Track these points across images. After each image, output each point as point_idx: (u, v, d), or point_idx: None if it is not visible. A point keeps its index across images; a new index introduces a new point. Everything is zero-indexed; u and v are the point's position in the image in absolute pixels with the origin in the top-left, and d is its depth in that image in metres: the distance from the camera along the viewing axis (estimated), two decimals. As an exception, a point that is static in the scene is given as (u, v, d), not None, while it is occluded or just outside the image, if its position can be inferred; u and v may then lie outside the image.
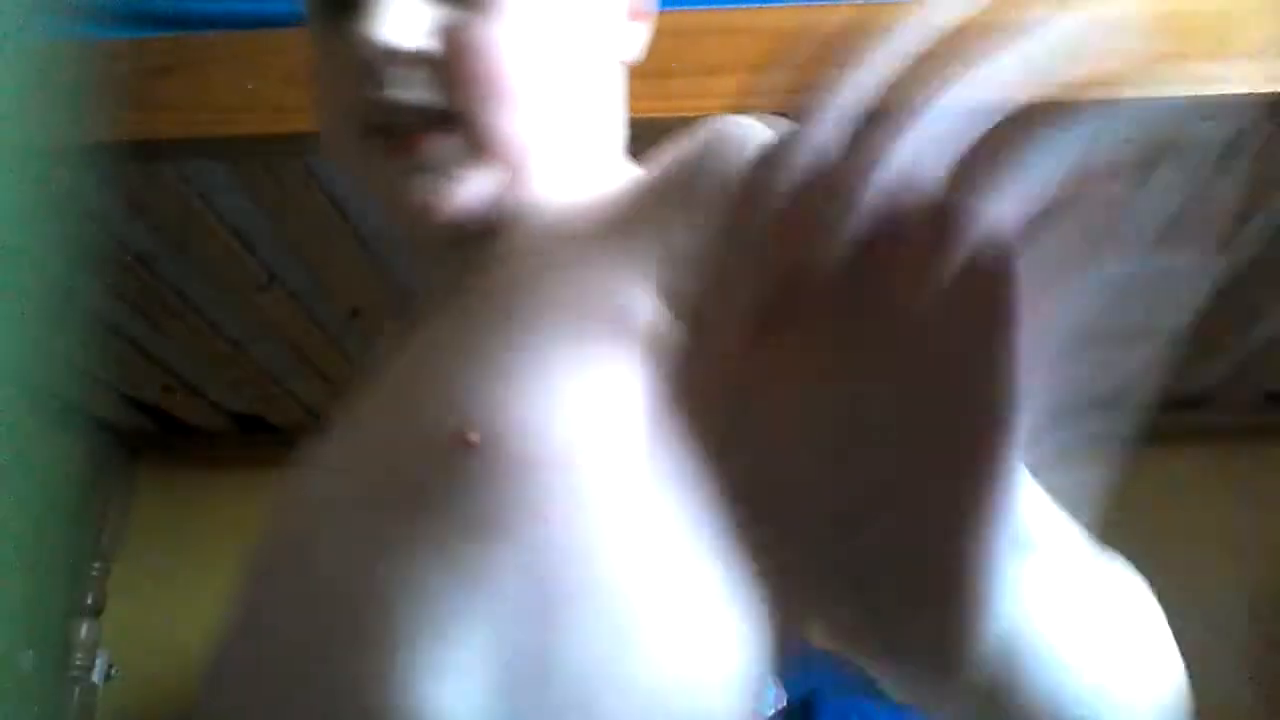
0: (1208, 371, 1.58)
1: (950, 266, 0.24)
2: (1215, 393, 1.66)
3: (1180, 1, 0.88)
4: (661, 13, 0.91)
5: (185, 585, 1.72)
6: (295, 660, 0.44)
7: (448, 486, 0.42)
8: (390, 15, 0.47)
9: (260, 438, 1.72)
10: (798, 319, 0.25)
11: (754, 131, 0.48)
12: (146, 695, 1.68)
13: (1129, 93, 0.88)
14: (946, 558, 0.26)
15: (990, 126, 0.25)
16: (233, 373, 1.51)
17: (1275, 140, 0.96)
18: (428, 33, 0.48)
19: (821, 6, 0.90)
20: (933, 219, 0.24)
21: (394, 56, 0.48)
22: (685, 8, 0.90)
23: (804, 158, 0.25)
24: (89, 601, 1.69)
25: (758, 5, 0.90)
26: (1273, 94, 0.87)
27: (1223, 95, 0.87)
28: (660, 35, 0.92)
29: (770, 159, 0.25)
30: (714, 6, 0.90)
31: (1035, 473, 0.36)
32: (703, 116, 0.88)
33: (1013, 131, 0.25)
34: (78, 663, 1.66)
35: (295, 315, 1.30)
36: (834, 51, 0.25)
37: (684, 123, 0.88)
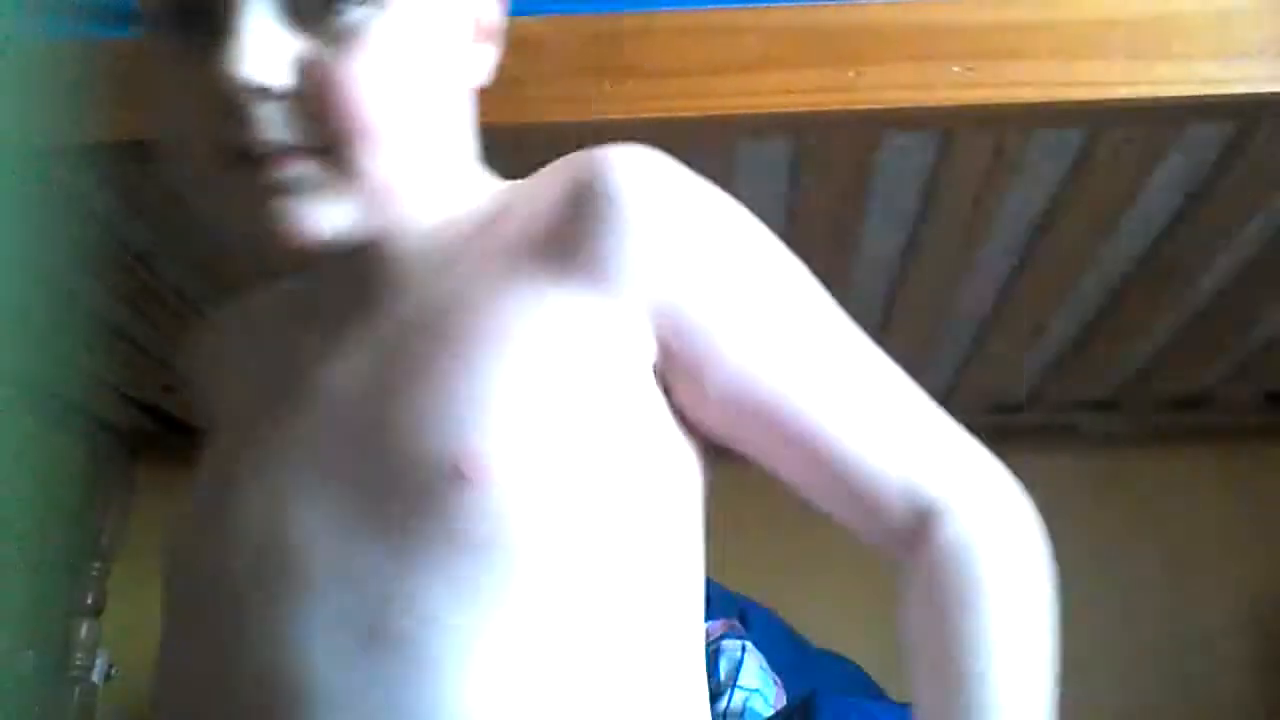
0: (1208, 371, 1.58)
1: None
2: (1215, 393, 1.66)
3: (1180, 1, 0.88)
4: (662, 13, 0.91)
5: (185, 585, 1.72)
6: (291, 676, 0.46)
7: (445, 515, 0.46)
8: (251, 50, 0.46)
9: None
10: None
11: (620, 160, 0.52)
12: (146, 695, 1.68)
13: (1128, 93, 0.89)
14: None
15: None
16: (233, 373, 1.51)
17: (1275, 140, 0.97)
18: (287, 67, 0.47)
19: (822, 6, 0.90)
20: None
21: (256, 94, 0.46)
22: (685, 8, 0.90)
23: None
24: (89, 601, 1.69)
25: (758, 5, 0.89)
26: (1273, 94, 0.87)
27: (1223, 95, 0.87)
28: (661, 35, 0.92)
29: None
30: (715, 6, 0.89)
31: None
32: (704, 116, 0.88)
33: None
34: (78, 663, 1.65)
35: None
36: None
37: (685, 123, 0.89)
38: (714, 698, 1.19)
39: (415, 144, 0.51)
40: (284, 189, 0.48)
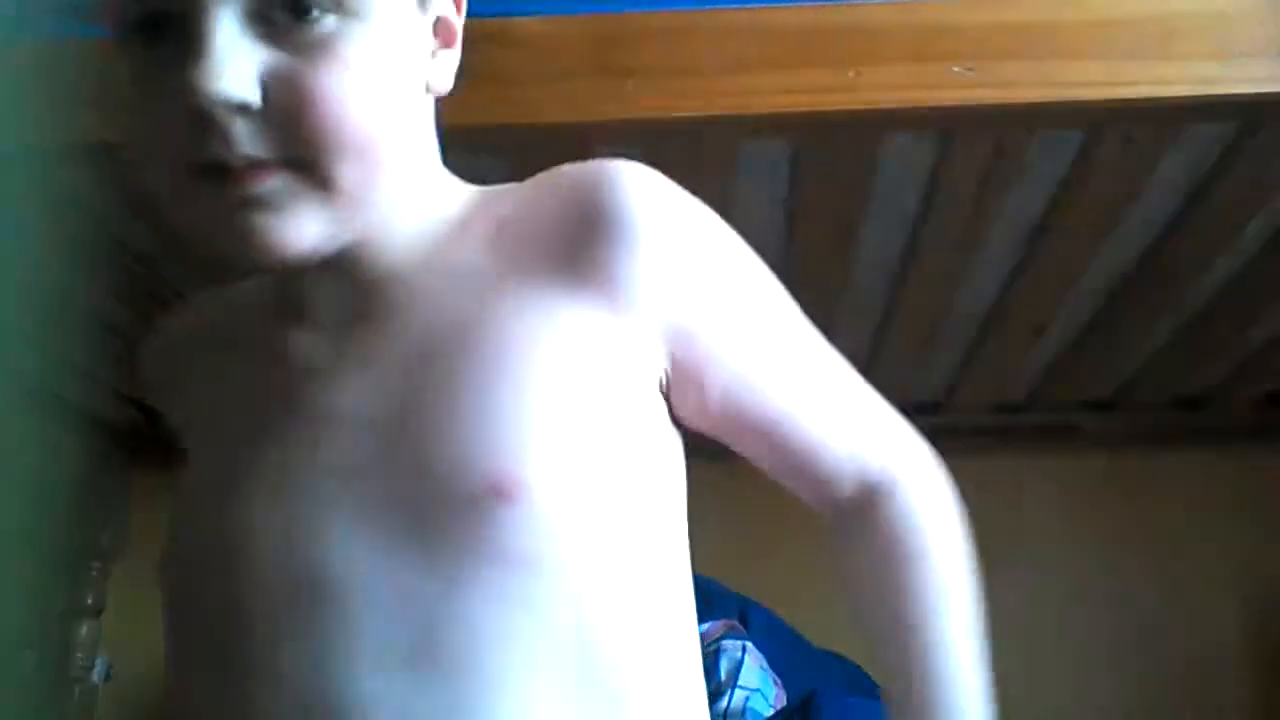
0: (1208, 371, 1.59)
1: None
2: (1215, 393, 1.66)
3: (1180, 1, 0.88)
4: (662, 13, 0.91)
5: (185, 585, 1.72)
6: (341, 703, 0.47)
7: (486, 535, 0.47)
8: (221, 64, 0.45)
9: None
10: None
11: (627, 180, 0.53)
12: (146, 695, 1.68)
13: (1128, 93, 0.89)
14: None
15: None
16: (233, 373, 1.51)
17: (1275, 140, 0.97)
18: (258, 81, 0.46)
19: (822, 7, 0.90)
20: None
21: (228, 109, 0.45)
22: (685, 8, 0.90)
23: None
24: (89, 601, 1.69)
25: (758, 5, 0.90)
26: (1273, 94, 0.87)
27: (1223, 95, 0.87)
28: (660, 35, 0.92)
29: None
30: (715, 7, 0.90)
31: None
32: (704, 116, 0.88)
33: None
34: (78, 663, 1.65)
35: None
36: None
37: (686, 123, 0.89)
38: (714, 698, 1.19)
39: (387, 153, 0.51)
40: (258, 203, 0.47)
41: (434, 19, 0.54)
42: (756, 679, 1.24)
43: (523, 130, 0.87)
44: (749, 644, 1.27)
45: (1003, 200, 1.07)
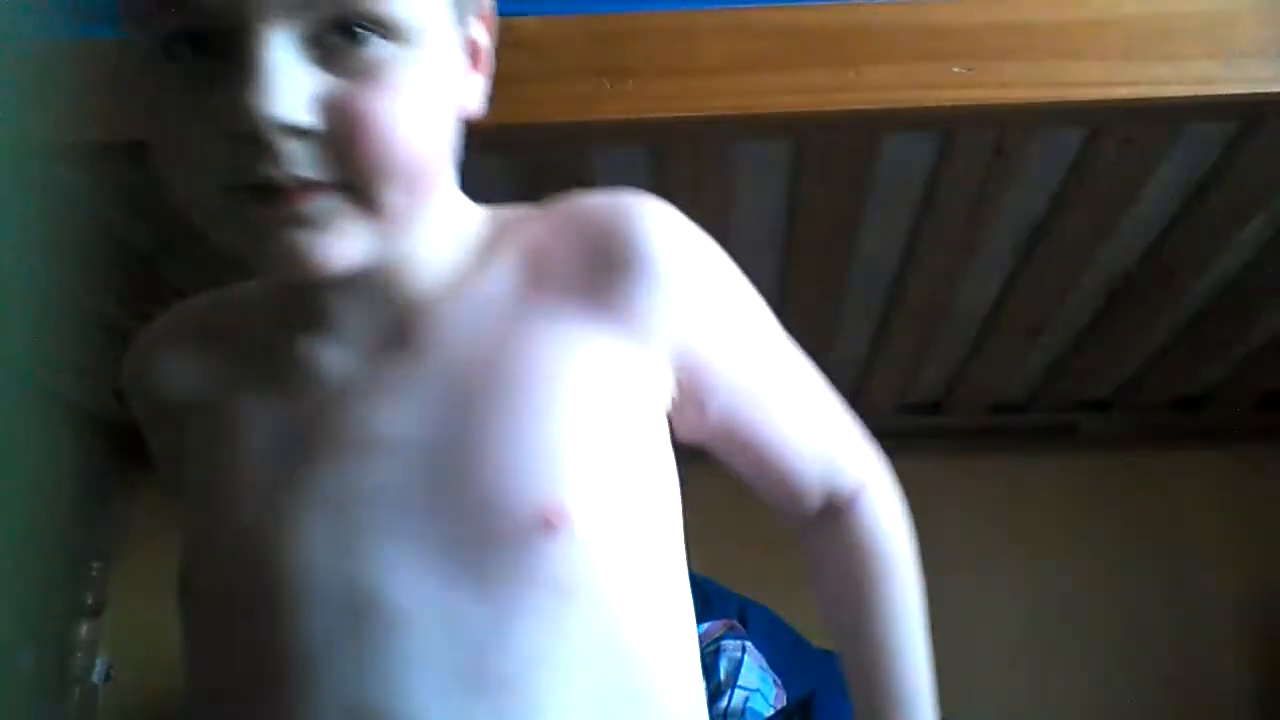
0: (1208, 371, 1.59)
1: None
2: (1215, 393, 1.66)
3: (1180, 2, 0.88)
4: (661, 13, 0.91)
5: (185, 585, 1.72)
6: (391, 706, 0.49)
7: (535, 564, 0.50)
8: (276, 86, 0.45)
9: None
10: None
11: (648, 216, 0.56)
12: (146, 695, 1.68)
13: (1128, 93, 0.89)
14: None
15: None
16: (233, 373, 1.51)
17: (1275, 140, 0.97)
18: (311, 103, 0.46)
19: (822, 7, 0.90)
20: None
21: (281, 131, 0.45)
22: (685, 8, 0.90)
23: None
24: (89, 601, 1.69)
25: (758, 5, 0.90)
26: (1273, 94, 0.87)
27: (1223, 95, 0.87)
28: (660, 35, 0.92)
29: None
30: (715, 7, 0.90)
31: None
32: (704, 116, 0.88)
33: None
34: (78, 663, 1.65)
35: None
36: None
37: (685, 123, 0.89)
38: (714, 698, 1.19)
39: (431, 176, 0.52)
40: (303, 220, 0.48)
41: (467, 41, 0.55)
42: (756, 679, 1.24)
43: (523, 130, 0.87)
44: (749, 644, 1.27)
45: (1002, 200, 1.07)
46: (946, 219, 1.11)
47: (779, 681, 1.28)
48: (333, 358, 0.55)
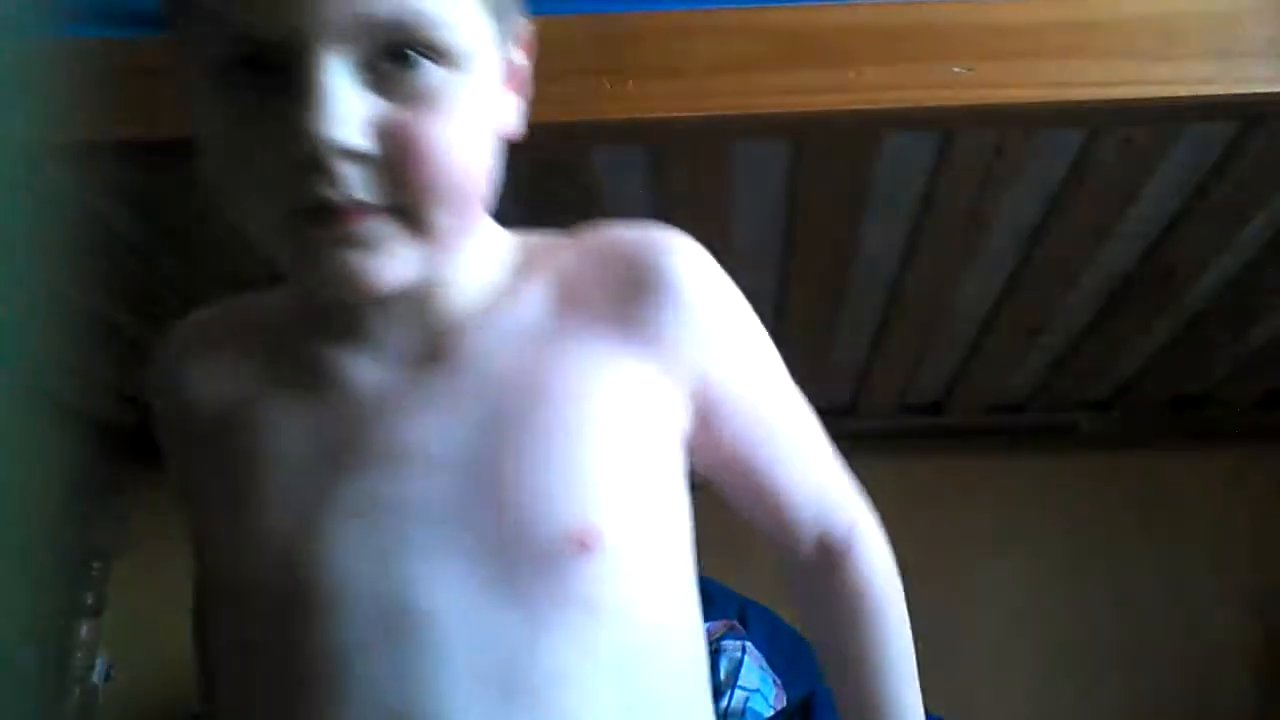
0: (1208, 371, 1.59)
1: None
2: (1215, 393, 1.66)
3: (1180, 2, 0.88)
4: (661, 13, 0.91)
5: (185, 585, 1.72)
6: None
7: (568, 582, 0.52)
8: (334, 110, 0.46)
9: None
10: None
11: (676, 250, 0.58)
12: (146, 695, 1.68)
13: (1128, 93, 0.89)
14: None
15: None
16: (233, 373, 1.51)
17: (1275, 140, 0.97)
18: (367, 127, 0.48)
19: (822, 7, 0.90)
20: None
21: (338, 153, 0.47)
22: (685, 8, 0.90)
23: None
24: (89, 601, 1.69)
25: (758, 5, 0.89)
26: (1273, 94, 0.87)
27: (1223, 95, 0.87)
28: (660, 35, 0.92)
29: None
30: (715, 7, 0.90)
31: None
32: (704, 116, 0.88)
33: None
34: (78, 663, 1.65)
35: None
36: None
37: (686, 123, 0.89)
38: (714, 698, 1.19)
39: (477, 199, 0.54)
40: (355, 241, 0.49)
41: (507, 63, 0.56)
42: (756, 679, 1.24)
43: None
44: (749, 644, 1.27)
45: (1002, 200, 1.07)
46: (946, 219, 1.11)
47: (779, 681, 1.27)
48: (366, 370, 0.56)
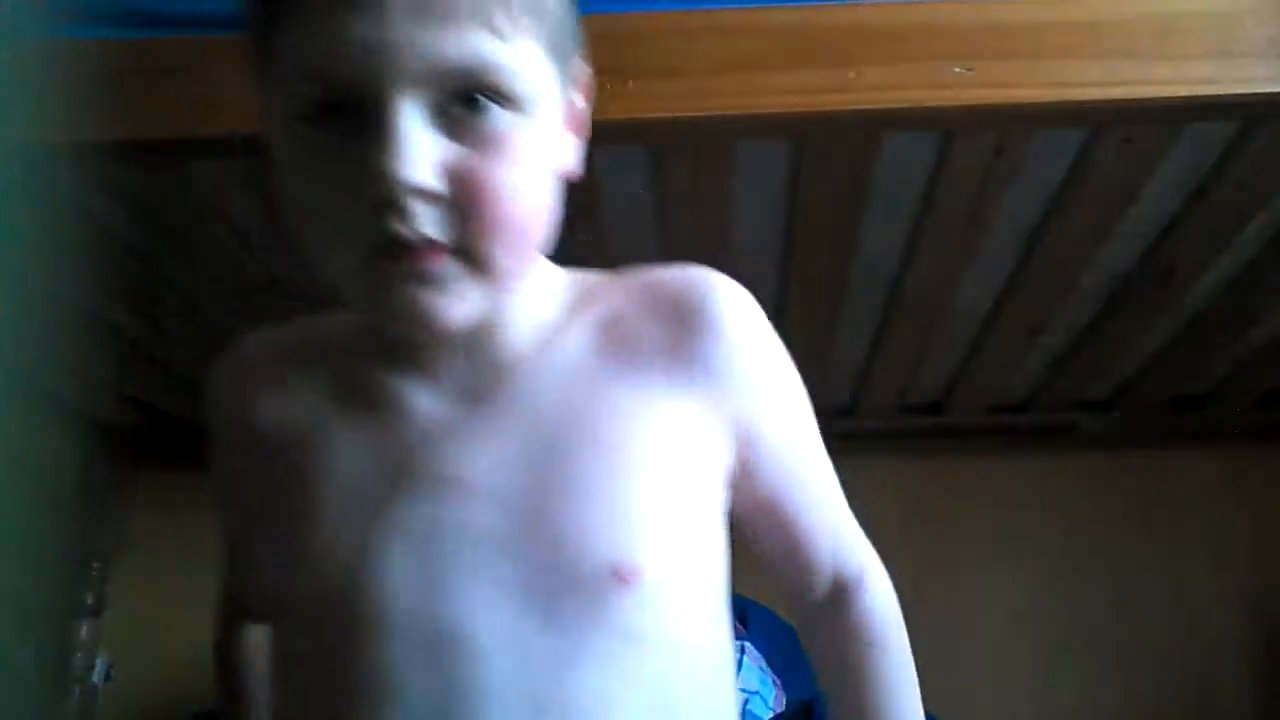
0: (1208, 371, 1.59)
1: None
2: (1215, 393, 1.66)
3: (1180, 2, 0.88)
4: (661, 13, 0.91)
5: (185, 585, 1.72)
6: None
7: (606, 612, 0.55)
8: (409, 153, 0.49)
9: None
10: None
11: (723, 293, 0.61)
12: (146, 695, 1.68)
13: (1128, 93, 0.89)
14: None
15: None
16: (233, 373, 1.51)
17: (1275, 140, 0.97)
18: (438, 169, 0.50)
19: (822, 7, 0.90)
20: None
21: (412, 193, 0.50)
22: (685, 8, 0.90)
23: None
24: (89, 601, 1.69)
25: (758, 5, 0.90)
26: (1273, 94, 0.87)
27: (1223, 95, 0.87)
28: (660, 35, 0.92)
29: None
30: (715, 7, 0.90)
31: None
32: (704, 116, 0.88)
33: None
34: (78, 663, 1.65)
35: (295, 315, 1.30)
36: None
37: (686, 123, 0.89)
38: (714, 698, 1.19)
39: (536, 238, 0.57)
40: (426, 279, 0.52)
41: (569, 105, 0.59)
42: (755, 680, 1.24)
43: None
44: (748, 644, 1.27)
45: (1002, 200, 1.07)
46: (946, 219, 1.11)
47: (778, 682, 1.27)
48: (424, 400, 0.59)
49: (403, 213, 0.50)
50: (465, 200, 0.51)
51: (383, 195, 0.50)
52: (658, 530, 0.57)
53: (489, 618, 0.54)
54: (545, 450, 0.57)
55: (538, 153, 0.54)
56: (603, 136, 0.94)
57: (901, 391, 1.65)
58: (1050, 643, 1.70)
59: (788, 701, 1.27)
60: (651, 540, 0.56)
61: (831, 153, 0.98)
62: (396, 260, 0.51)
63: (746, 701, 1.21)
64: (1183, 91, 0.87)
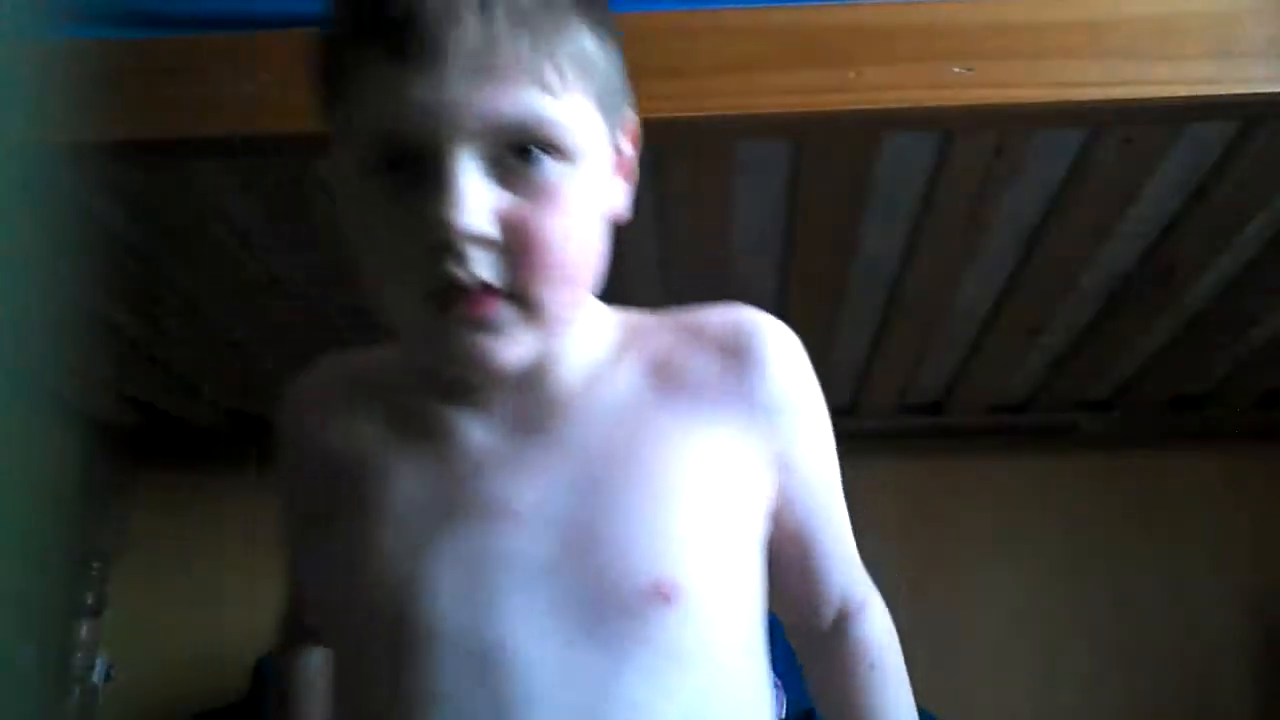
0: (1208, 371, 1.59)
1: None
2: (1215, 393, 1.66)
3: (1180, 2, 0.88)
4: (661, 13, 0.91)
5: (185, 585, 1.72)
6: None
7: (648, 629, 0.57)
8: (466, 202, 0.52)
9: (260, 438, 1.72)
10: None
11: (770, 333, 0.64)
12: (146, 695, 1.68)
13: (1128, 93, 0.89)
14: None
15: None
16: (233, 373, 1.51)
17: (1275, 140, 0.97)
18: (494, 217, 0.53)
19: (822, 7, 0.90)
20: None
21: (470, 240, 0.53)
22: (685, 8, 0.90)
23: None
24: (89, 601, 1.69)
25: (758, 5, 0.90)
26: (1273, 94, 0.87)
27: (1223, 95, 0.87)
28: (660, 35, 0.92)
29: None
30: (715, 7, 0.90)
31: None
32: (704, 116, 0.88)
33: None
34: (78, 663, 1.66)
35: (295, 315, 1.30)
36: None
37: (686, 123, 0.89)
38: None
39: (586, 283, 0.60)
40: (482, 325, 0.55)
41: (617, 153, 0.62)
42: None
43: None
44: (749, 644, 1.27)
45: (1002, 200, 1.07)
46: (946, 219, 1.11)
47: (779, 683, 1.27)
48: (479, 433, 0.62)
49: (460, 257, 0.53)
50: (518, 247, 0.54)
51: (441, 240, 0.52)
52: (699, 551, 0.59)
53: (534, 634, 0.56)
54: (592, 481, 0.59)
55: (587, 200, 0.57)
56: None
57: (901, 391, 1.65)
58: (1050, 643, 1.70)
59: (787, 703, 1.27)
60: (693, 560, 0.59)
61: (831, 153, 0.98)
62: (454, 304, 0.54)
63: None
64: (1183, 91, 0.87)
